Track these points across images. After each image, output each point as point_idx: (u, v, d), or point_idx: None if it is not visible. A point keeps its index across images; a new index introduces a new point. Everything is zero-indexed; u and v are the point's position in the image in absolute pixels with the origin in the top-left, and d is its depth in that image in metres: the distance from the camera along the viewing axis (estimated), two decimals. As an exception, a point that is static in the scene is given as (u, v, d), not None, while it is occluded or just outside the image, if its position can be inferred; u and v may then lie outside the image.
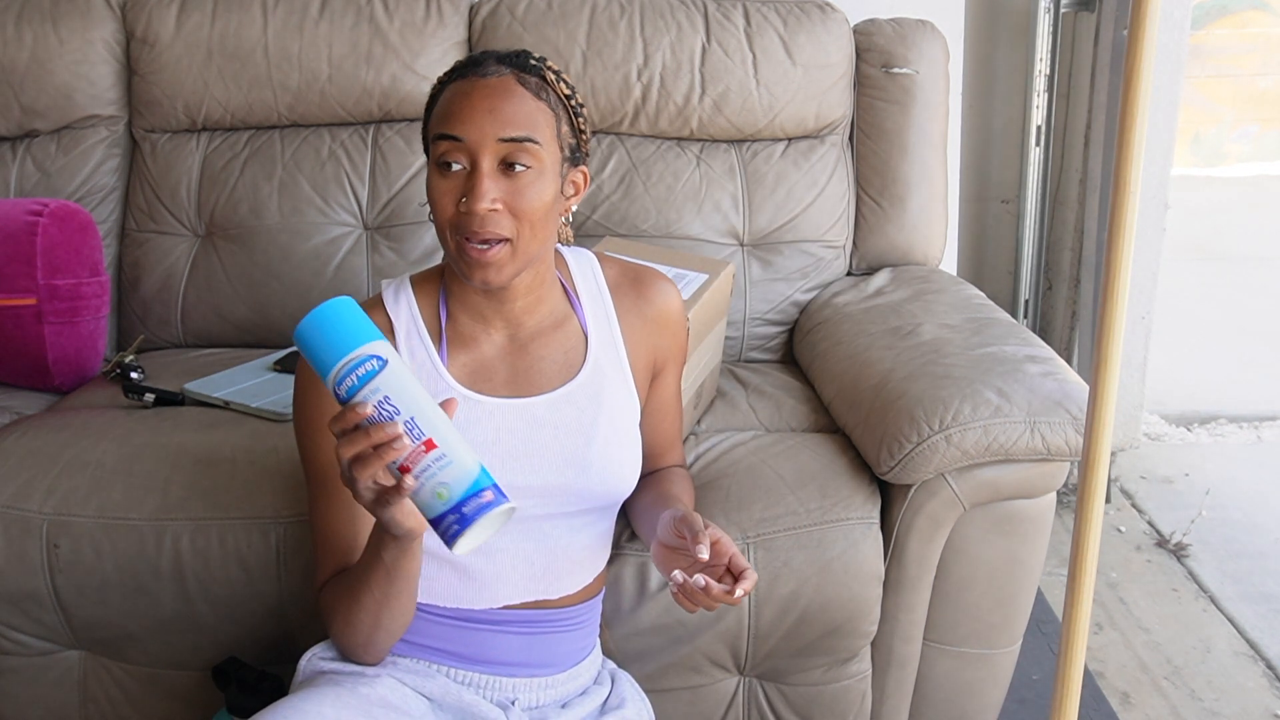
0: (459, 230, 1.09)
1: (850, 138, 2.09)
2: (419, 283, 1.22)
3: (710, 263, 1.69)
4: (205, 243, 2.02)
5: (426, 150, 1.15)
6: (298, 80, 2.02)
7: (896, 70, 2.04)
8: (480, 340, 1.19)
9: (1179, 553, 2.36)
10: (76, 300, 1.77)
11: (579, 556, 1.23)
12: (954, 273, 2.41)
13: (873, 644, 1.49)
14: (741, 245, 2.01)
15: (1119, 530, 2.47)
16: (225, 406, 1.66)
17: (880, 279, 1.96)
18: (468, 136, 1.07)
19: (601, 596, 1.31)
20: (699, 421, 1.69)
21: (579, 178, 1.17)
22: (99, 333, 1.85)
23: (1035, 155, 2.55)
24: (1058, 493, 1.51)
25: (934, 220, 2.07)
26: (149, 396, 1.68)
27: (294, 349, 1.89)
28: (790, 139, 2.06)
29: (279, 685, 1.34)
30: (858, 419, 1.55)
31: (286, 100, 2.03)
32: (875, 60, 2.06)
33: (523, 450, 1.17)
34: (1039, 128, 2.53)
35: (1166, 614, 2.16)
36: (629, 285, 1.27)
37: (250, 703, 1.32)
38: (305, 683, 1.16)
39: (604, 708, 1.26)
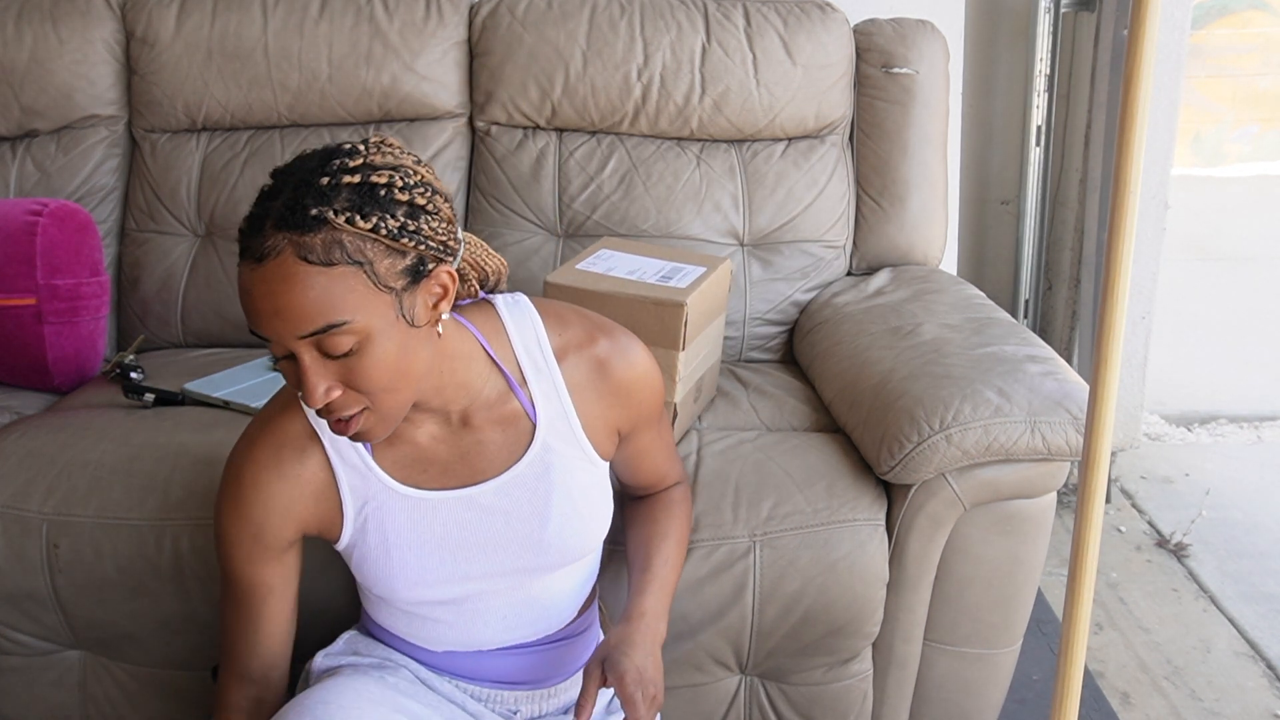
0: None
1: (850, 138, 2.09)
2: None
3: (708, 258, 1.69)
4: (205, 243, 2.02)
5: None
6: (298, 80, 2.02)
7: (896, 70, 2.04)
8: (408, 431, 1.10)
9: (1179, 553, 2.36)
10: (76, 300, 1.77)
11: (559, 600, 1.20)
12: (954, 273, 2.41)
13: (873, 643, 1.49)
14: (741, 245, 2.01)
15: (1119, 530, 2.47)
16: (225, 406, 1.66)
17: (880, 279, 1.96)
18: (275, 337, 0.95)
19: (596, 604, 1.30)
20: (700, 419, 1.69)
21: (441, 281, 1.00)
22: (99, 333, 1.85)
23: (1035, 155, 2.55)
24: (1058, 493, 1.51)
25: (934, 220, 2.07)
26: (149, 396, 1.68)
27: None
28: (790, 139, 2.06)
29: (279, 685, 1.34)
30: (858, 419, 1.55)
31: (286, 100, 2.03)
32: (875, 60, 2.06)
33: (474, 541, 1.12)
34: (1039, 128, 2.53)
35: (1167, 614, 2.16)
36: (579, 357, 1.14)
37: (250, 703, 1.32)
38: (327, 674, 1.17)
39: (608, 708, 1.25)
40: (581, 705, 1.09)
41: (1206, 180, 5.10)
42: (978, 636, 1.52)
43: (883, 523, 1.44)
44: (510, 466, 1.12)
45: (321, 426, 1.09)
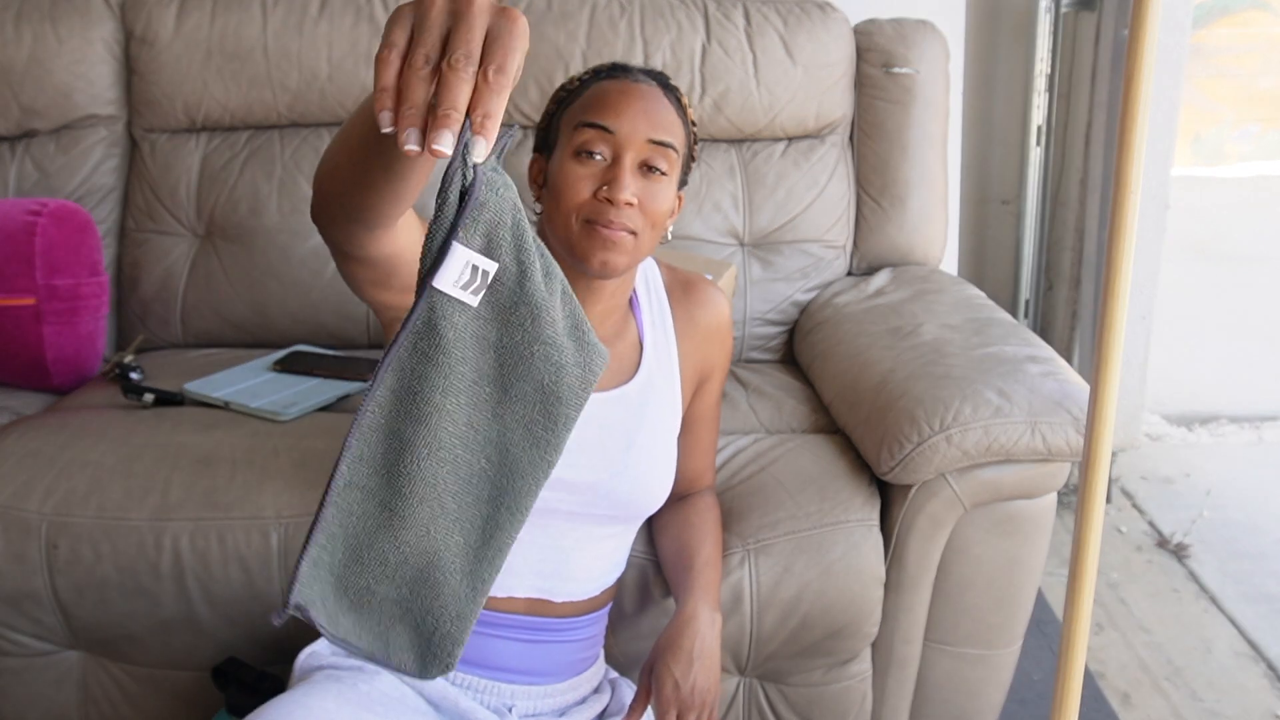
0: (590, 216, 1.11)
1: (850, 138, 2.08)
2: None
3: (713, 263, 1.69)
4: (205, 243, 2.02)
5: (544, 140, 1.19)
6: (297, 80, 2.02)
7: (897, 70, 2.04)
8: None
9: (1180, 553, 2.36)
10: (76, 300, 1.77)
11: (591, 564, 1.22)
12: (954, 273, 2.41)
13: (873, 644, 1.49)
14: (741, 245, 2.01)
15: (1120, 530, 2.47)
16: (225, 406, 1.66)
17: (880, 279, 1.96)
18: (619, 130, 1.11)
19: (608, 610, 1.29)
20: (699, 422, 1.69)
21: (681, 195, 1.21)
22: (98, 333, 1.85)
23: (1036, 155, 2.55)
24: (1058, 493, 1.51)
25: (934, 220, 2.07)
26: (148, 396, 1.68)
27: (294, 348, 1.89)
28: (790, 139, 2.05)
29: (279, 685, 1.33)
30: (858, 419, 1.55)
31: (286, 100, 2.03)
32: (876, 60, 2.06)
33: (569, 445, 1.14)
34: (1039, 128, 2.53)
35: (1167, 614, 2.16)
36: (682, 293, 1.30)
37: (250, 703, 1.32)
38: (303, 678, 1.15)
39: (604, 715, 1.25)
40: (633, 708, 1.16)
41: (1207, 180, 5.10)
42: (978, 637, 1.52)
43: (877, 523, 1.44)
44: (617, 385, 1.22)
45: None
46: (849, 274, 2.05)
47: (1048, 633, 2.05)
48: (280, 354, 1.86)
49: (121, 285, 2.04)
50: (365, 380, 1.75)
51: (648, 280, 1.28)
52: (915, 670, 1.53)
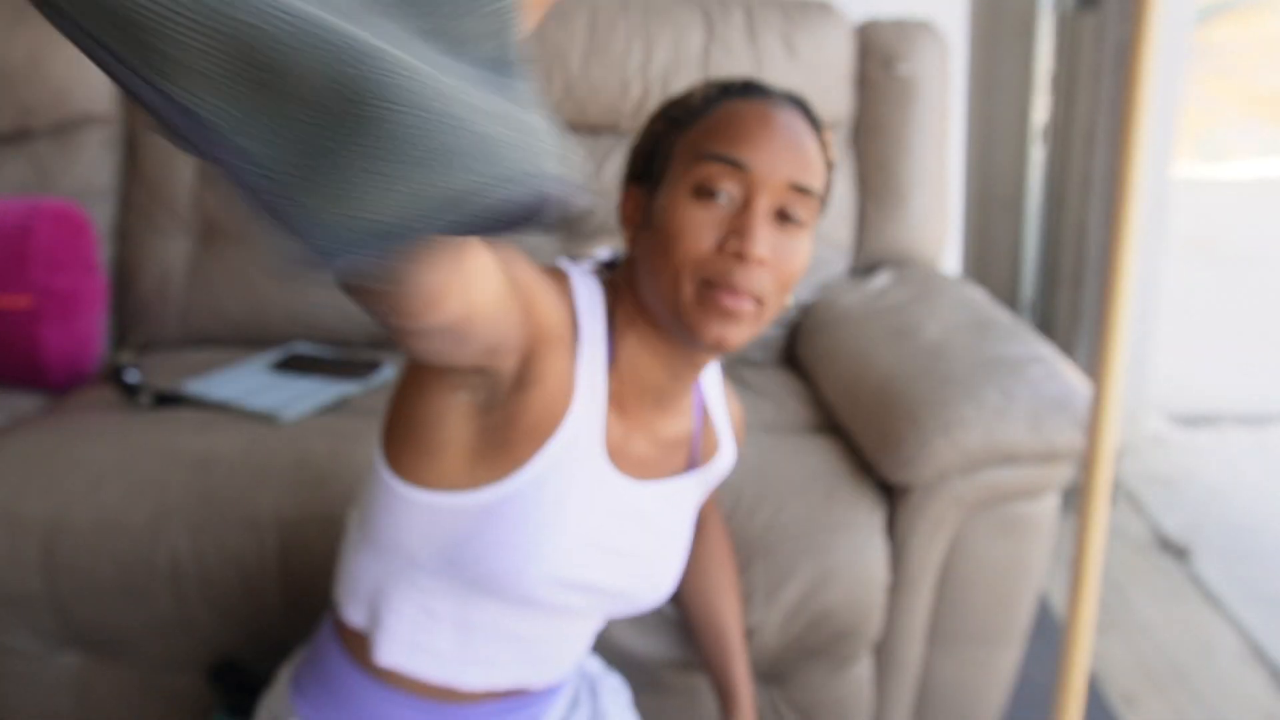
0: (710, 277, 0.88)
1: (852, 138, 2.08)
2: (612, 295, 0.96)
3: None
4: (203, 242, 2.01)
5: (647, 168, 0.96)
6: (296, 80, 2.01)
7: (898, 70, 2.03)
8: (631, 407, 0.98)
9: (1182, 555, 2.35)
10: (73, 300, 1.77)
11: (575, 647, 1.09)
12: (956, 273, 2.40)
13: (875, 645, 1.48)
14: (742, 245, 2.00)
15: (1122, 532, 2.46)
16: (223, 407, 1.66)
17: (882, 279, 1.96)
18: (756, 167, 0.89)
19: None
20: (699, 422, 1.69)
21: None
22: (95, 333, 1.85)
23: (1037, 155, 2.54)
24: (1061, 494, 1.50)
25: (935, 220, 2.06)
26: (146, 397, 1.67)
27: (293, 349, 1.88)
28: (791, 138, 2.05)
29: (276, 688, 1.33)
30: (860, 420, 1.54)
31: (285, 100, 2.03)
32: (877, 60, 2.05)
33: (618, 547, 0.99)
34: (1041, 127, 2.52)
35: (1169, 616, 2.15)
36: (731, 402, 1.15)
37: (248, 705, 1.32)
38: None
39: (595, 690, 1.20)
40: None
41: (1209, 180, 5.10)
42: (980, 638, 1.52)
43: (880, 526, 1.43)
44: (672, 476, 1.04)
45: (584, 329, 0.92)
46: (850, 274, 2.05)
47: (1050, 634, 2.05)
48: (279, 354, 1.85)
49: (119, 285, 2.04)
50: (365, 380, 1.75)
51: (709, 380, 1.11)
52: (917, 671, 1.53)
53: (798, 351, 1.95)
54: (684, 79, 2.00)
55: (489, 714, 1.05)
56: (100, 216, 2.03)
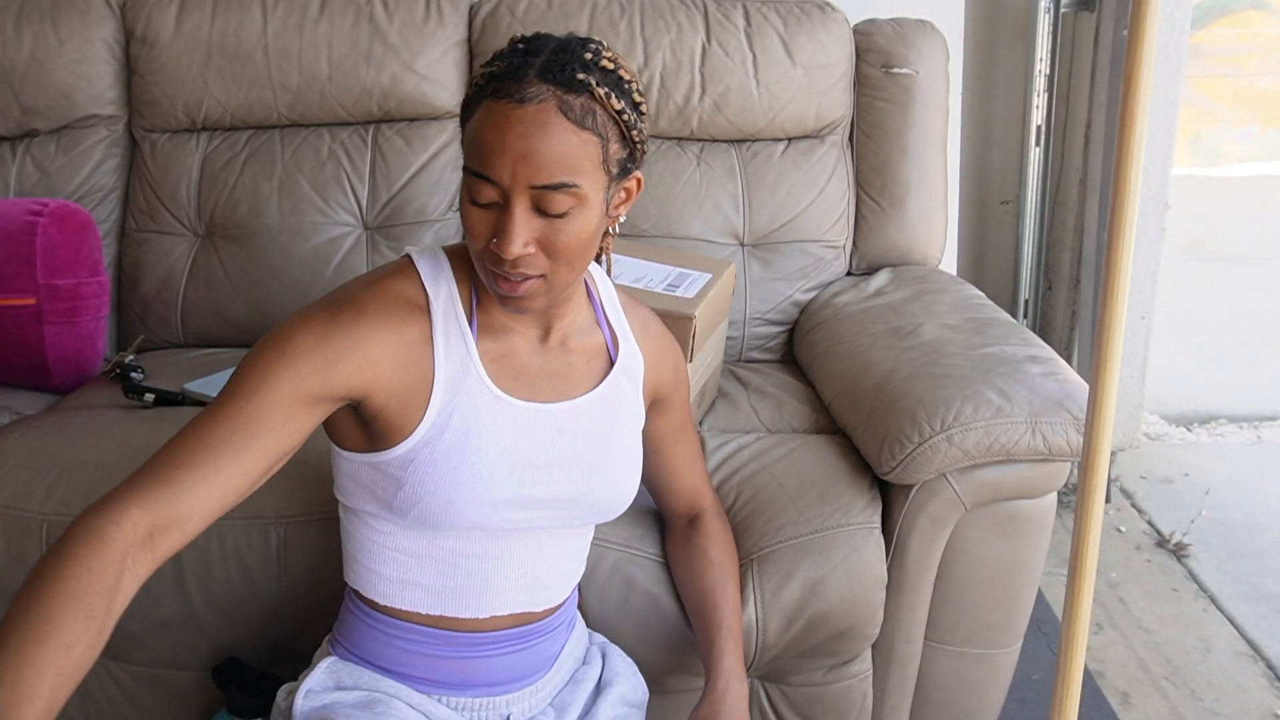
0: (490, 263, 1.01)
1: (850, 138, 2.09)
2: (453, 259, 1.11)
3: (712, 262, 1.69)
4: (205, 243, 2.02)
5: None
6: (297, 80, 2.02)
7: (896, 70, 2.04)
8: (511, 332, 1.11)
9: (1179, 553, 2.36)
10: (76, 300, 1.77)
11: (566, 565, 1.20)
12: (954, 273, 2.41)
13: (874, 644, 1.49)
14: (741, 245, 2.01)
15: (1119, 530, 2.47)
16: (225, 406, 1.66)
17: (880, 279, 1.96)
18: (499, 180, 0.97)
19: (575, 592, 1.27)
20: (701, 422, 1.69)
21: (630, 185, 1.07)
22: (99, 333, 1.85)
23: (1035, 155, 2.55)
24: (1058, 493, 1.51)
25: (934, 220, 2.07)
26: (149, 396, 1.68)
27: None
28: (790, 139, 2.06)
29: (279, 686, 1.33)
30: (859, 419, 1.55)
31: (286, 100, 2.03)
32: (875, 60, 2.06)
33: (544, 459, 1.11)
34: (1039, 128, 2.53)
35: (1166, 614, 2.16)
36: (634, 313, 1.23)
37: (250, 703, 1.32)
38: (314, 717, 1.11)
39: (599, 687, 1.24)
40: None
41: (1206, 180, 5.11)
42: (978, 636, 1.52)
43: (879, 525, 1.44)
44: (588, 391, 1.15)
45: (438, 299, 1.07)
46: (849, 274, 2.06)
47: (1048, 632, 2.06)
48: (280, 354, 1.85)
49: (122, 285, 2.04)
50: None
51: (609, 291, 1.21)
52: (916, 670, 1.53)
53: (796, 351, 1.96)
54: (684, 79, 2.01)
55: (502, 640, 1.16)
56: (104, 217, 2.03)
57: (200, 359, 1.91)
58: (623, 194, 1.06)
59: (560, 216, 0.99)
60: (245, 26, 2.02)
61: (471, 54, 2.06)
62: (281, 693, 1.20)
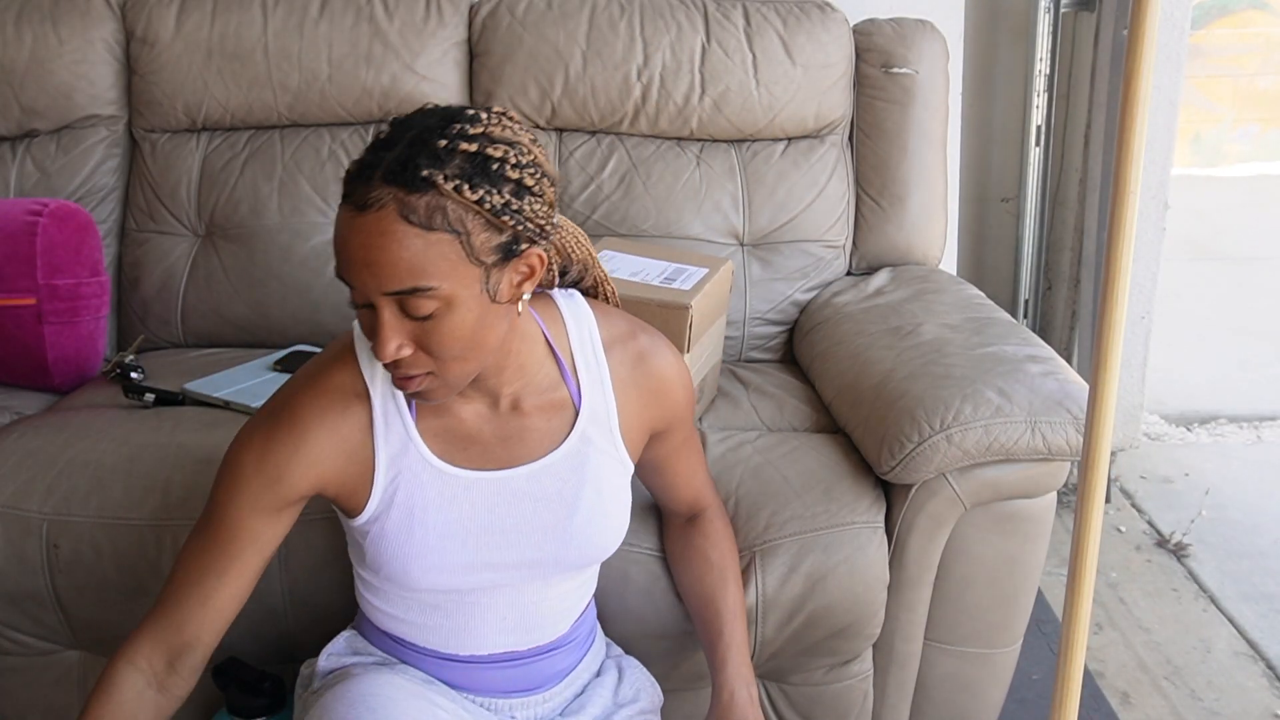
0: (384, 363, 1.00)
1: (850, 138, 2.09)
2: None
3: (710, 259, 1.69)
4: (205, 243, 2.02)
5: None
6: (298, 80, 2.02)
7: (896, 70, 2.04)
8: (456, 407, 1.09)
9: (1179, 552, 2.36)
10: (76, 300, 1.77)
11: (558, 606, 1.20)
12: (954, 272, 2.41)
13: (874, 643, 1.49)
14: (741, 245, 2.01)
15: (1119, 530, 2.47)
16: (225, 406, 1.66)
17: (880, 279, 1.96)
18: (360, 287, 0.95)
19: (592, 609, 1.29)
20: (701, 419, 1.69)
21: (530, 262, 1.00)
22: (99, 333, 1.85)
23: (1035, 155, 2.55)
24: (1058, 492, 1.51)
25: (934, 220, 2.07)
26: (149, 396, 1.68)
27: (294, 349, 1.89)
28: (790, 139, 2.06)
29: (279, 685, 1.34)
30: (859, 419, 1.55)
31: (286, 100, 2.03)
32: (875, 60, 2.06)
33: (500, 526, 1.11)
34: (1039, 127, 2.53)
35: (1166, 614, 2.16)
36: (624, 350, 1.17)
37: (250, 703, 1.32)
38: (338, 674, 1.16)
39: (616, 699, 1.24)
40: None
41: (1206, 180, 5.10)
42: (978, 636, 1.52)
43: (881, 525, 1.44)
44: (548, 453, 1.12)
45: (375, 383, 1.08)
46: (849, 274, 2.06)
47: (1047, 632, 2.06)
48: (280, 354, 1.86)
49: (122, 285, 2.04)
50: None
51: (585, 334, 1.15)
52: (916, 669, 1.53)
53: (796, 350, 1.96)
54: (683, 79, 2.00)
55: (495, 662, 1.18)
56: (104, 217, 2.03)
57: (200, 359, 1.91)
58: (517, 276, 1.00)
59: (427, 319, 0.95)
60: (245, 27, 2.02)
61: (471, 54, 2.06)
62: (304, 665, 1.25)
